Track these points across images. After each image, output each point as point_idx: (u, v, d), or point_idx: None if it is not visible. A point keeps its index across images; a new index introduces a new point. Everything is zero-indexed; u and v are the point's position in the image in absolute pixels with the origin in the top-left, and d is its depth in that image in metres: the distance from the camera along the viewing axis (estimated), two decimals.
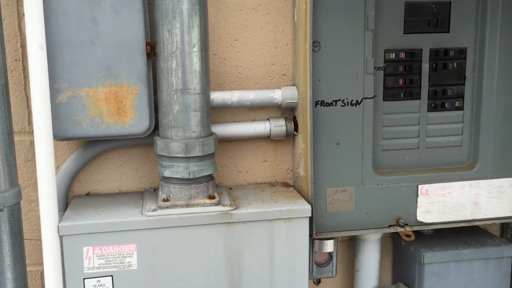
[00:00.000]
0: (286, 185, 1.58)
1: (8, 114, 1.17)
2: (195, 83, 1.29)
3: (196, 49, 1.28)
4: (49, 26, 1.23)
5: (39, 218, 1.47)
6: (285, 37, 1.54)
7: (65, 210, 1.37)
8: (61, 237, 1.25)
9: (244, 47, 1.52)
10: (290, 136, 1.56)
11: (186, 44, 1.26)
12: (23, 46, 1.40)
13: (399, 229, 1.48)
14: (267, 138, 1.56)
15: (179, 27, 1.26)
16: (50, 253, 1.23)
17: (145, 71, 1.31)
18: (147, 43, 1.30)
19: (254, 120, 1.55)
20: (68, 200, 1.48)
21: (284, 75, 1.56)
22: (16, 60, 1.41)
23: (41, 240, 1.48)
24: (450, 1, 1.43)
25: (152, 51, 1.31)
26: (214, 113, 1.51)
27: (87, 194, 1.51)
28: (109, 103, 1.30)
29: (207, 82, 1.33)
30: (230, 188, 1.55)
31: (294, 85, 1.52)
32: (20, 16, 1.39)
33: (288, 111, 1.57)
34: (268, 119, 1.53)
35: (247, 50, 1.52)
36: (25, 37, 1.39)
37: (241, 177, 1.60)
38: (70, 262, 1.26)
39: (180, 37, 1.26)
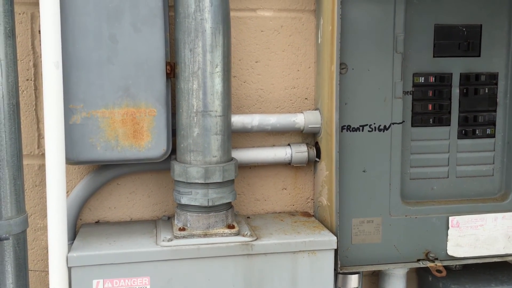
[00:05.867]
0: (306, 214, 1.50)
1: (18, 136, 1.11)
2: (216, 104, 1.22)
3: (218, 69, 1.21)
4: (66, 44, 1.17)
5: (44, 248, 1.40)
6: (308, 60, 1.48)
7: (73, 239, 1.29)
8: (69, 269, 1.16)
9: (265, 70, 1.46)
10: (311, 163, 1.49)
11: (208, 64, 1.20)
12: (36, 65, 1.34)
13: (429, 264, 1.39)
14: (287, 164, 1.49)
15: (202, 46, 1.20)
16: (57, 285, 1.14)
17: (164, 92, 1.24)
18: (167, 63, 1.24)
19: (274, 146, 1.48)
20: (76, 228, 1.39)
21: (306, 98, 1.49)
22: (27, 79, 1.35)
23: (45, 271, 1.40)
24: (481, 24, 1.38)
25: (171, 72, 1.25)
26: (232, 137, 1.44)
27: (96, 222, 1.42)
28: (125, 125, 1.22)
29: (229, 104, 1.27)
30: (248, 217, 1.46)
31: (316, 109, 1.46)
32: (34, 34, 1.33)
33: (309, 137, 1.50)
34: (289, 145, 1.46)
35: (268, 72, 1.47)
36: (38, 56, 1.34)
37: (259, 206, 1.52)
38: None
39: (203, 56, 1.20)
